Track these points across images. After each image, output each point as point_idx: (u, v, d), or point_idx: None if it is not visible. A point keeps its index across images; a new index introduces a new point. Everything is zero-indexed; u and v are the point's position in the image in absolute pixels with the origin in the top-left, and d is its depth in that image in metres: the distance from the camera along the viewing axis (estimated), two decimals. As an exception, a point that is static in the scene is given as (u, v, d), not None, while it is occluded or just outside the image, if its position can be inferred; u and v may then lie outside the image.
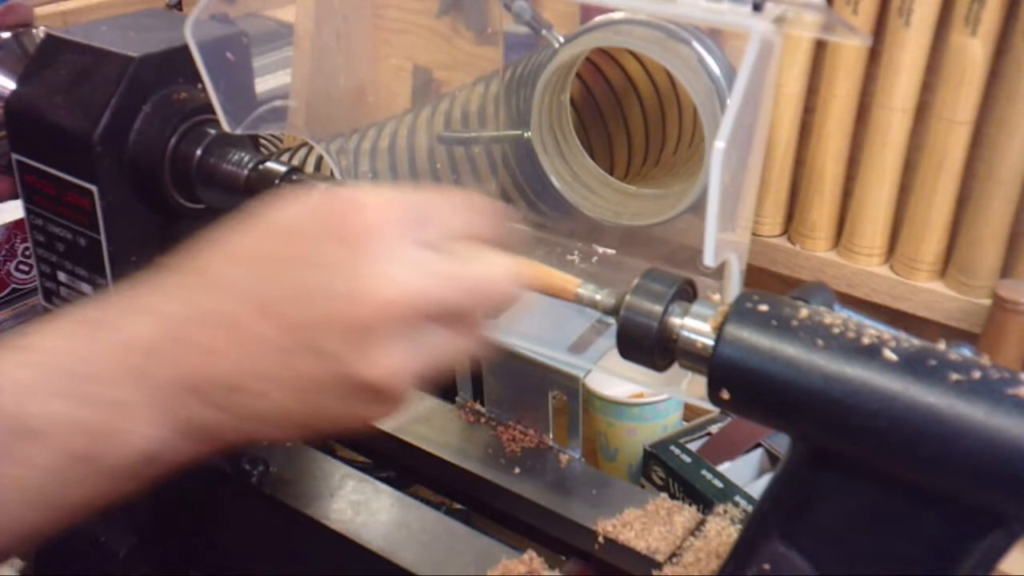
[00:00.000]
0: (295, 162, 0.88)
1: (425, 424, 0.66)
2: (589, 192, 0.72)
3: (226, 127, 0.62)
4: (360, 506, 0.61)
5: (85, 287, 0.68)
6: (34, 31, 0.80)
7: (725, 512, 0.58)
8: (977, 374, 0.36)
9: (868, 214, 0.90)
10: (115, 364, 0.40)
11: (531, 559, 0.56)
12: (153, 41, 0.65)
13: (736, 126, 0.41)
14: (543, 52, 0.71)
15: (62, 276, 0.70)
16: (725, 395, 0.40)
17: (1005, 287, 0.83)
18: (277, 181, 0.62)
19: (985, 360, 0.37)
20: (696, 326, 0.42)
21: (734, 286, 0.49)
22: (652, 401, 0.79)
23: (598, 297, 0.46)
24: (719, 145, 0.41)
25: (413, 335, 0.40)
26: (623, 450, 0.80)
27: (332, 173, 0.72)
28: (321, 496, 0.62)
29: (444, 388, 0.69)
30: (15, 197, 0.71)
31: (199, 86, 0.63)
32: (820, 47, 0.89)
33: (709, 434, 0.78)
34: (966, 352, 0.37)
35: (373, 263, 0.39)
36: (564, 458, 0.63)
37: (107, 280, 0.66)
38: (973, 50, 0.80)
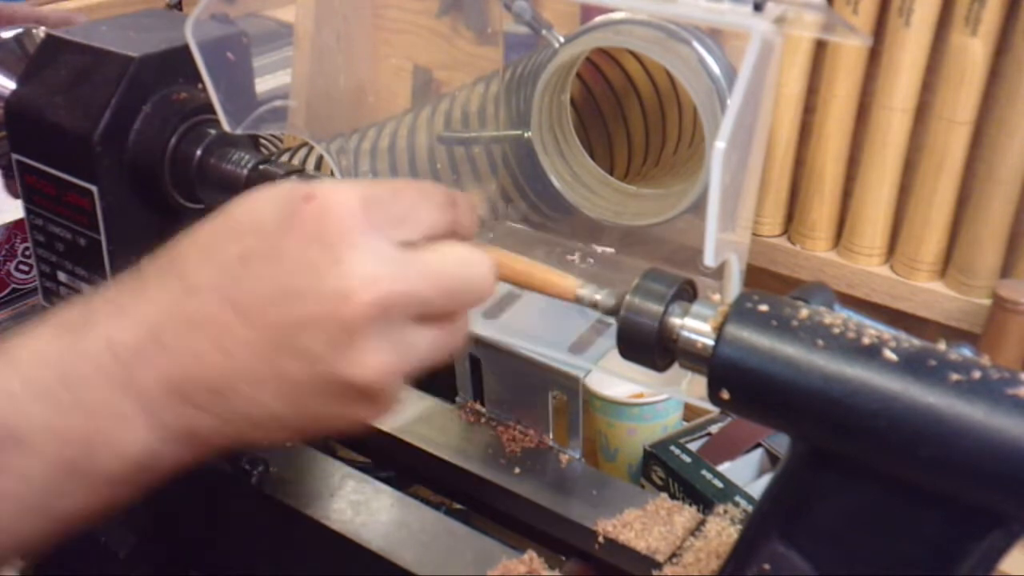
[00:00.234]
0: (295, 162, 0.88)
1: (425, 424, 0.66)
2: (589, 192, 0.72)
3: (226, 127, 0.62)
4: (360, 506, 0.61)
5: (85, 287, 0.68)
6: (34, 31, 0.80)
7: (725, 512, 0.58)
8: (977, 374, 0.36)
9: (868, 214, 0.90)
10: (98, 370, 0.39)
11: (531, 559, 0.56)
12: (153, 41, 0.65)
13: (736, 126, 0.41)
14: (543, 52, 0.71)
15: (62, 276, 0.70)
16: (725, 395, 0.40)
17: (1005, 287, 0.83)
18: (277, 181, 0.62)
19: (985, 360, 0.37)
20: (696, 326, 0.42)
21: (734, 286, 0.49)
22: (652, 401, 0.79)
23: (598, 297, 0.46)
24: (719, 145, 0.41)
25: (395, 334, 0.40)
26: (623, 450, 0.80)
27: (332, 173, 0.72)
28: (321, 496, 0.62)
29: (444, 388, 0.69)
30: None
31: (199, 86, 0.63)
32: (820, 47, 0.89)
33: (709, 434, 0.78)
34: (966, 352, 0.37)
35: (347, 262, 0.39)
36: (564, 458, 0.63)
37: (107, 280, 0.66)
38: (973, 50, 0.80)
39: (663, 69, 0.72)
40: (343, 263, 0.39)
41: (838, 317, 0.39)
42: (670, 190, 0.71)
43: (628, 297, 0.44)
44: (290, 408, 0.40)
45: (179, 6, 1.37)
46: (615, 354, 0.46)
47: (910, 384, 0.36)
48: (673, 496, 0.72)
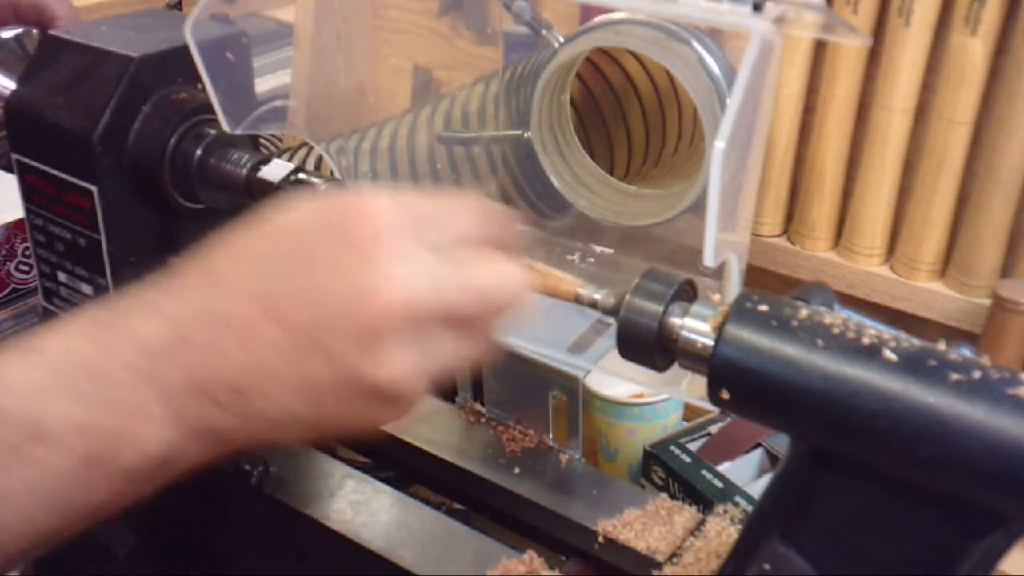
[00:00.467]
0: (295, 162, 0.88)
1: (425, 424, 0.66)
2: (589, 192, 0.72)
3: (226, 127, 0.62)
4: (360, 506, 0.61)
5: (85, 287, 0.68)
6: (34, 31, 0.80)
7: (725, 512, 0.58)
8: (977, 374, 0.36)
9: (868, 214, 0.90)
10: (124, 365, 0.40)
11: (531, 559, 0.56)
12: (153, 41, 0.65)
13: (736, 126, 0.41)
14: (543, 52, 0.71)
15: (62, 276, 0.70)
16: (725, 395, 0.40)
17: (1005, 287, 0.83)
18: (277, 181, 0.62)
19: (985, 360, 0.37)
20: (696, 326, 0.42)
21: (734, 286, 0.49)
22: (652, 401, 0.79)
23: (598, 297, 0.46)
24: (719, 145, 0.41)
25: (422, 339, 0.40)
26: (623, 450, 0.80)
27: (332, 173, 0.72)
28: (321, 496, 0.62)
29: (444, 388, 0.69)
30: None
31: (199, 86, 0.63)
32: (820, 47, 0.89)
33: (709, 434, 0.78)
34: (966, 352, 0.37)
35: (382, 266, 0.39)
36: (564, 458, 0.63)
37: (107, 280, 0.66)
38: (973, 50, 0.80)
39: (663, 69, 0.72)
40: (374, 264, 0.39)
41: (838, 317, 0.39)
42: (670, 190, 0.71)
43: (628, 297, 0.44)
44: (312, 409, 0.40)
45: (179, 6, 1.37)
46: (615, 354, 0.46)
47: (910, 384, 0.36)
48: (673, 496, 0.72)
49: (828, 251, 0.94)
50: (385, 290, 0.38)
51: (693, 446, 0.76)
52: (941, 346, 0.38)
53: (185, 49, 0.59)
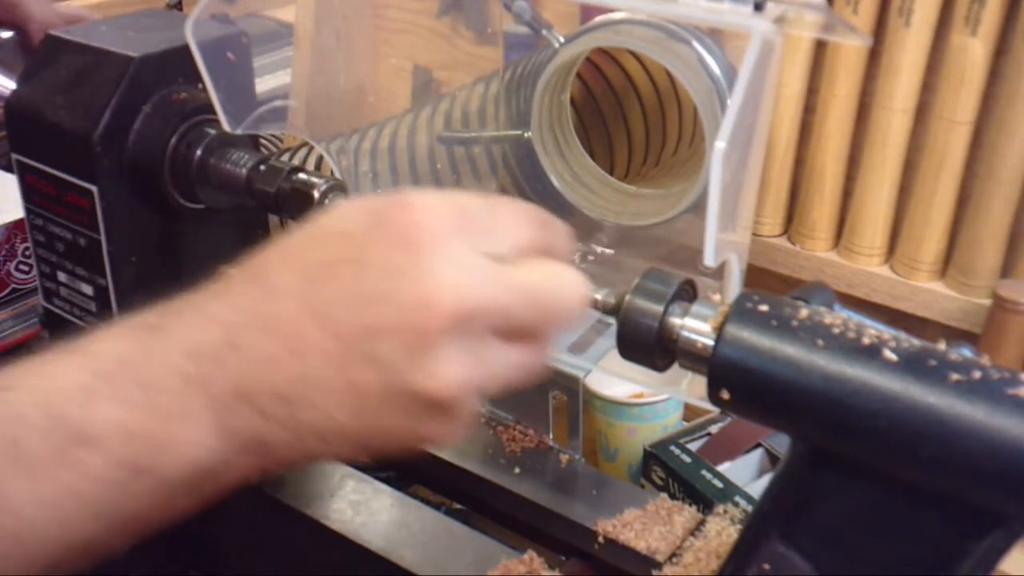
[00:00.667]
0: (295, 162, 0.88)
1: (425, 424, 0.66)
2: (589, 192, 0.72)
3: (226, 127, 0.62)
4: (360, 506, 0.61)
5: (85, 287, 0.68)
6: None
7: (725, 512, 0.58)
8: (977, 374, 0.36)
9: (868, 214, 0.90)
10: (170, 370, 0.39)
11: (531, 559, 0.56)
12: (153, 41, 0.65)
13: (736, 126, 0.41)
14: (543, 52, 0.71)
15: (62, 276, 0.70)
16: (725, 395, 0.40)
17: (1005, 287, 0.83)
18: (278, 181, 0.62)
19: (985, 360, 0.37)
20: (696, 326, 0.42)
21: (734, 286, 0.49)
22: (652, 401, 0.79)
23: (598, 297, 0.46)
24: (719, 145, 0.41)
25: (475, 347, 0.38)
26: (623, 450, 0.80)
27: (332, 173, 0.72)
28: (321, 496, 0.62)
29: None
30: None
31: (199, 86, 0.63)
32: (820, 47, 0.89)
33: (709, 434, 0.78)
34: (966, 352, 0.37)
35: (434, 268, 0.37)
36: (564, 458, 0.63)
37: (107, 280, 0.66)
38: (973, 50, 0.80)
39: (663, 69, 0.72)
40: (427, 269, 0.37)
41: (838, 317, 0.39)
42: (670, 190, 0.71)
43: (628, 297, 0.44)
44: (358, 420, 0.38)
45: (179, 6, 1.37)
46: (615, 354, 0.46)
47: (910, 384, 0.36)
48: (673, 496, 0.72)
49: (828, 251, 0.94)
50: (436, 293, 0.37)
51: (693, 446, 0.76)
52: (941, 346, 0.38)
53: (185, 49, 0.59)
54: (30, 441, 0.38)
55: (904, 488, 0.38)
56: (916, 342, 0.38)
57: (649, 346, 0.43)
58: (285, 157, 0.91)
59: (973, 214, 0.85)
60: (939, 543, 0.38)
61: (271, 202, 0.62)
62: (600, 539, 0.57)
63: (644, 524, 0.57)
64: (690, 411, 0.83)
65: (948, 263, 0.89)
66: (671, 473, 0.73)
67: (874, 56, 0.87)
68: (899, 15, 0.83)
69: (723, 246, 0.44)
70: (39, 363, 0.40)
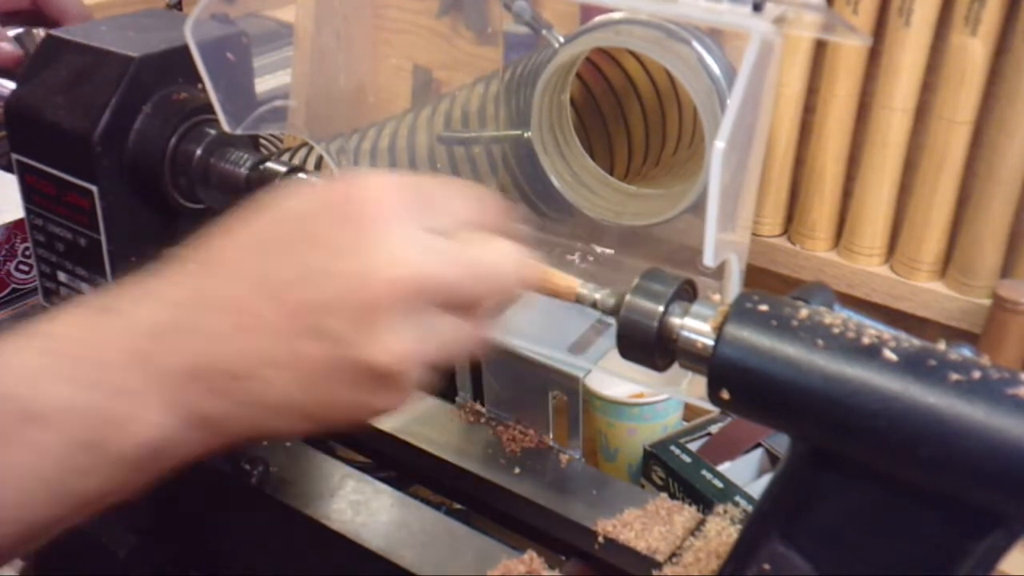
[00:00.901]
0: (295, 162, 0.88)
1: (425, 424, 0.66)
2: (589, 192, 0.72)
3: (226, 127, 0.62)
4: (360, 506, 0.61)
5: (85, 287, 0.68)
6: (34, 31, 0.80)
7: (725, 512, 0.58)
8: (977, 374, 0.36)
9: (868, 214, 0.90)
10: (121, 349, 0.39)
11: (531, 559, 0.56)
12: (153, 41, 0.65)
13: (736, 126, 0.41)
14: (543, 52, 0.71)
15: (62, 276, 0.70)
16: (725, 395, 0.40)
17: (1005, 287, 0.83)
18: (277, 181, 0.62)
19: (985, 360, 0.37)
20: (696, 326, 0.42)
21: (734, 286, 0.49)
22: (652, 401, 0.79)
23: (598, 297, 0.46)
24: (719, 145, 0.41)
25: (420, 319, 0.39)
26: (623, 450, 0.80)
27: (332, 173, 0.72)
28: (321, 496, 0.62)
29: (444, 388, 0.69)
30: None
31: (199, 86, 0.63)
32: (820, 47, 0.89)
33: (709, 434, 0.78)
34: (966, 352, 0.37)
35: (379, 243, 0.39)
36: (564, 458, 0.63)
37: (107, 280, 0.66)
38: (973, 50, 0.80)
39: (663, 69, 0.72)
40: (371, 244, 0.38)
41: (838, 317, 0.39)
42: (670, 190, 0.71)
43: (628, 297, 0.44)
44: (308, 394, 0.40)
45: (179, 6, 1.37)
46: (615, 354, 0.46)
47: (910, 384, 0.36)
48: (673, 496, 0.72)
49: (828, 251, 0.94)
50: (383, 267, 0.38)
51: (693, 446, 0.76)
52: (941, 346, 0.38)
53: (185, 49, 0.59)
54: None
55: (904, 488, 0.38)
56: (916, 342, 0.38)
57: (649, 346, 0.43)
58: (285, 157, 0.91)
59: (973, 214, 0.85)
60: (939, 543, 0.38)
61: (271, 202, 0.62)
62: (600, 539, 0.57)
63: (644, 524, 0.57)
64: (690, 411, 0.83)
65: (948, 263, 0.89)
66: (671, 473, 0.73)
67: (874, 56, 0.87)
68: (899, 15, 0.83)
69: (723, 246, 0.44)
70: None
